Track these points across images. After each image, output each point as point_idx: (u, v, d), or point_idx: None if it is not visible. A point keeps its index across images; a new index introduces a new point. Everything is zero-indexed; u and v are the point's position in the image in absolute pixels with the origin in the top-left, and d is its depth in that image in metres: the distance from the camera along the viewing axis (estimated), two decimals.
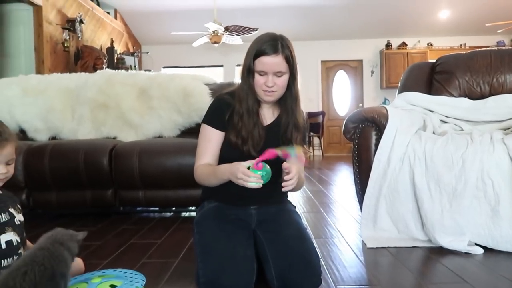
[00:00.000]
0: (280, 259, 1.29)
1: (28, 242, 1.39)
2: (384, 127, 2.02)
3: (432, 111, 2.35)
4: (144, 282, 1.29)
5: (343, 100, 8.51)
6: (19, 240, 1.32)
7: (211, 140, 1.45)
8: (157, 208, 2.72)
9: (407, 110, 2.29)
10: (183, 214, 2.61)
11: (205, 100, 2.78)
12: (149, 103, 2.85)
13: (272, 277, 1.28)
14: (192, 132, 2.75)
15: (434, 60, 2.72)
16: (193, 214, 2.58)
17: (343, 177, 4.50)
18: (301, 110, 1.47)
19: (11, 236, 1.28)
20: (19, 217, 1.34)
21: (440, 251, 1.71)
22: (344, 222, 2.31)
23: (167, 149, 2.45)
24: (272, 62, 1.32)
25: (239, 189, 1.40)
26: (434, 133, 2.12)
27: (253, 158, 1.37)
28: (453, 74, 2.54)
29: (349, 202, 2.94)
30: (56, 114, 2.85)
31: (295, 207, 1.54)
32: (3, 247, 1.26)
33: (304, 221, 2.28)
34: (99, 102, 2.83)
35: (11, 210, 1.32)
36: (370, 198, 1.94)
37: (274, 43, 1.33)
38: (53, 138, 2.87)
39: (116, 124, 2.84)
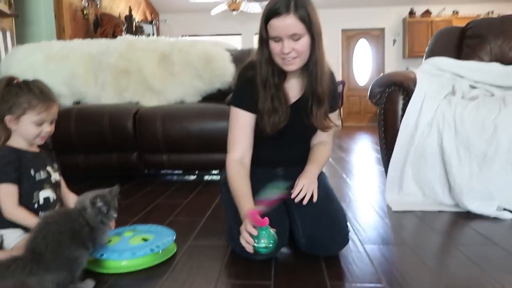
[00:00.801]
0: (308, 219, 1.29)
1: (73, 196, 1.43)
2: (412, 91, 1.97)
3: (461, 77, 2.27)
4: (174, 237, 1.32)
5: (364, 70, 8.33)
6: (55, 198, 1.37)
7: (241, 124, 1.32)
8: (181, 172, 2.77)
9: (436, 75, 2.23)
10: (206, 177, 2.64)
11: (227, 66, 2.76)
12: (170, 69, 2.84)
13: (299, 237, 1.30)
14: (214, 98, 2.75)
15: (464, 25, 2.62)
16: (216, 177, 2.61)
17: (364, 146, 4.47)
18: (326, 78, 1.29)
19: (48, 193, 1.34)
20: (55, 176, 1.39)
21: (468, 216, 1.69)
22: (368, 187, 2.30)
23: (189, 114, 2.45)
24: (283, 24, 1.15)
25: (266, 153, 1.41)
26: (463, 98, 2.06)
27: (271, 139, 1.33)
28: (484, 39, 2.45)
29: (371, 168, 2.93)
30: (80, 79, 2.87)
31: None
32: (40, 203, 1.31)
33: None
34: (120, 68, 2.83)
35: (49, 168, 1.37)
36: (396, 163, 1.92)
37: (285, 2, 1.15)
38: (77, 103, 2.90)
39: (138, 90, 2.85)
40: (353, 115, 8.31)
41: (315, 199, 1.28)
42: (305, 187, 1.29)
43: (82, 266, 1.07)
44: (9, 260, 0.97)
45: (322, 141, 1.46)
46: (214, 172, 2.72)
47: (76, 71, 2.87)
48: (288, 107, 1.31)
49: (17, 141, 1.29)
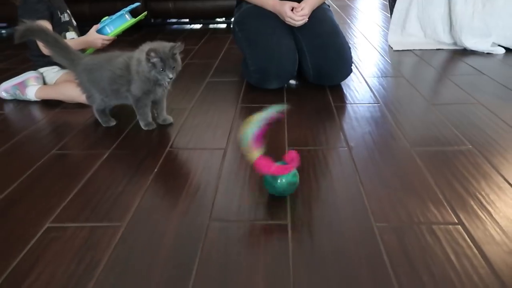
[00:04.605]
0: (316, 52, 1.41)
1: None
2: None
3: None
4: (138, 3, 1.54)
5: None
6: None
7: None
8: (187, 20, 2.78)
9: None
10: (211, 26, 2.67)
11: None
12: None
13: (308, 68, 1.44)
14: None
15: None
16: (221, 26, 2.64)
17: None
18: None
19: (73, 35, 1.43)
20: (73, 20, 1.45)
21: (463, 53, 1.81)
22: (370, 30, 2.36)
23: None
24: None
25: None
26: None
27: None
28: None
29: (376, 14, 2.93)
30: None
31: (329, 6, 1.59)
32: None
33: None
34: None
35: (68, 11, 1.43)
36: (403, 3, 1.95)
37: None
38: None
39: None
40: None
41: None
42: (307, 16, 1.40)
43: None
44: None
45: None
46: (219, 20, 2.74)
47: None
48: None
49: None
